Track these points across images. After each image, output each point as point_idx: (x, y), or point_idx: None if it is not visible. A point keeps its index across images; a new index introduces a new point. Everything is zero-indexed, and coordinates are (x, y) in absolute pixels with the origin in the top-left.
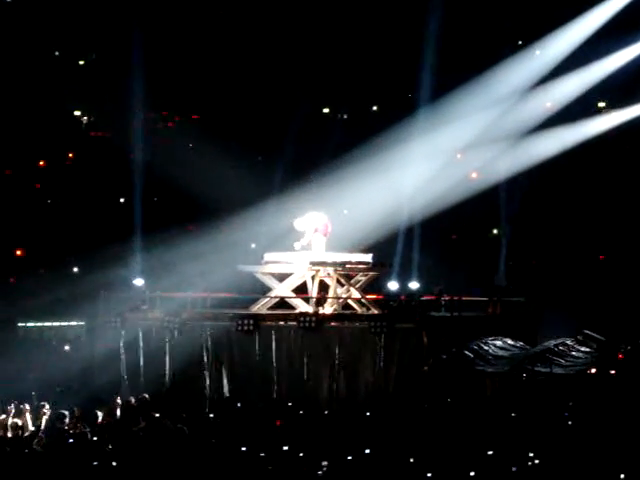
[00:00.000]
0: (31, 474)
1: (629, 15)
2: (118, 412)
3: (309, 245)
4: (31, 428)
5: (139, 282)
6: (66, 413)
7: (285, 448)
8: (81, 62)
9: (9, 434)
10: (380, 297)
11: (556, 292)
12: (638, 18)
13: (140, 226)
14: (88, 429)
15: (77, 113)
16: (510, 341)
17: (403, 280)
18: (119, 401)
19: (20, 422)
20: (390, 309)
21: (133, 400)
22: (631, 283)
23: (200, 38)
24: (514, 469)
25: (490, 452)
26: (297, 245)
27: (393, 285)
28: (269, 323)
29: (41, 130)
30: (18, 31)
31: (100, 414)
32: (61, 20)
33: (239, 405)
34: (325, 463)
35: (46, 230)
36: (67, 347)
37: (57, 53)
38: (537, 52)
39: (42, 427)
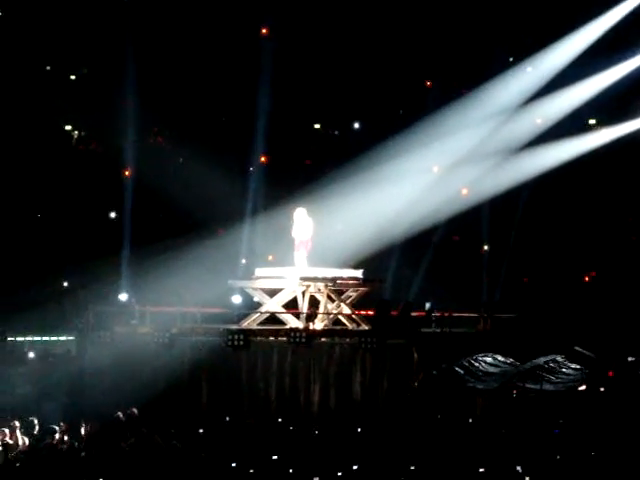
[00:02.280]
0: None
1: (620, 33)
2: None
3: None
4: (21, 443)
5: (124, 297)
6: (56, 428)
7: (274, 457)
8: (72, 77)
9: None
10: (372, 313)
11: (547, 309)
12: (629, 36)
13: (130, 240)
14: (76, 444)
15: (68, 127)
16: (500, 357)
17: (394, 296)
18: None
19: (11, 440)
20: (380, 323)
21: (121, 415)
22: (622, 300)
23: (192, 52)
24: None
25: (481, 469)
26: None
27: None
28: (259, 339)
29: (31, 144)
30: (8, 45)
31: (87, 429)
32: (52, 34)
33: (228, 420)
34: (316, 479)
35: (36, 244)
36: (54, 360)
37: (48, 67)
38: (528, 69)
39: (21, 443)
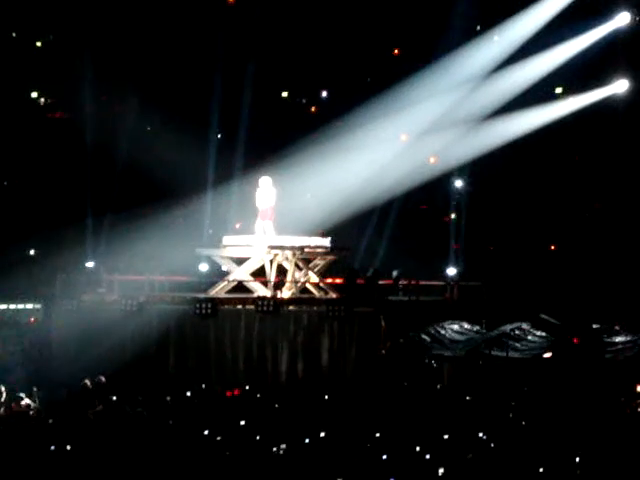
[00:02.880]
0: None
1: (585, 1)
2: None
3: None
4: None
5: (91, 264)
6: (22, 395)
7: (242, 423)
8: (38, 43)
9: None
10: (340, 281)
11: (512, 277)
12: (596, 4)
13: (97, 209)
14: (43, 412)
15: (34, 95)
16: (467, 325)
17: (361, 264)
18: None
19: None
20: (348, 289)
21: (89, 383)
22: (587, 268)
23: (159, 15)
24: (467, 453)
25: (445, 436)
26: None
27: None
28: (227, 307)
29: None
30: None
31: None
32: (17, 1)
33: (196, 388)
34: (283, 446)
35: (3, 212)
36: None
37: (14, 34)
38: (495, 37)
39: None
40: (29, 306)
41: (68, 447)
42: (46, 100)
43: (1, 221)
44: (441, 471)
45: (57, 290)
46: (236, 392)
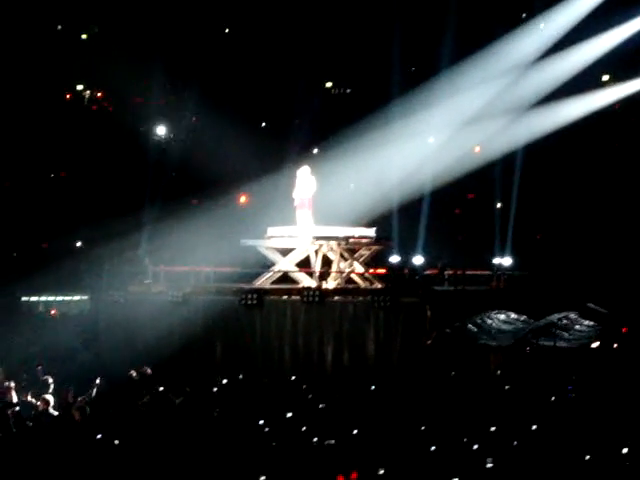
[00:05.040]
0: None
1: None
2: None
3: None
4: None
5: (137, 256)
6: (70, 388)
7: (288, 416)
8: (84, 36)
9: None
10: (384, 271)
11: (560, 266)
12: None
13: (145, 200)
14: (92, 404)
15: (80, 87)
16: (514, 315)
17: (407, 255)
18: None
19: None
20: (393, 282)
21: (135, 374)
22: (635, 257)
23: (204, 8)
24: (515, 443)
25: (493, 428)
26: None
27: (395, 259)
28: (273, 297)
29: (44, 104)
30: (20, 5)
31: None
32: None
33: (242, 378)
34: (332, 442)
35: (50, 204)
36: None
37: (59, 27)
38: (541, 25)
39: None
40: (76, 298)
41: (116, 440)
42: (92, 92)
43: (49, 213)
44: (489, 462)
45: (104, 281)
46: None
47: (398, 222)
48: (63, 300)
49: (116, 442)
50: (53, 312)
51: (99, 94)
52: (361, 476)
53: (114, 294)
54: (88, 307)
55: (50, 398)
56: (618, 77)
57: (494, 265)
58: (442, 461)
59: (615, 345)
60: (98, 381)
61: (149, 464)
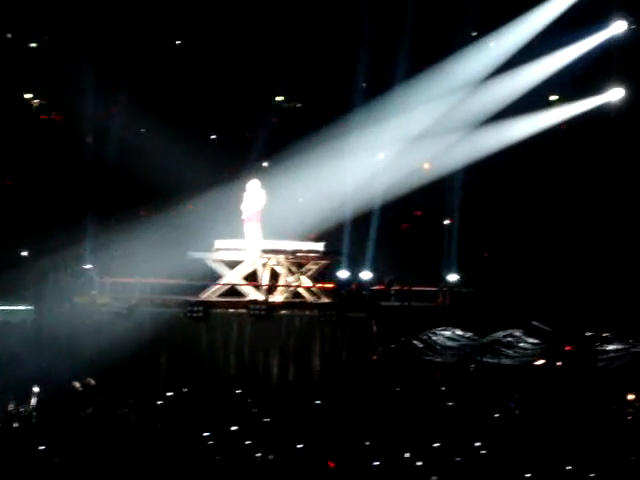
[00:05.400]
0: None
1: (582, 9)
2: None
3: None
4: None
5: (88, 267)
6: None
7: (233, 429)
8: (33, 45)
9: None
10: (332, 286)
11: (506, 283)
12: (590, 12)
13: (91, 211)
14: (34, 414)
15: (28, 96)
16: (459, 331)
17: (355, 269)
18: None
19: None
20: (340, 297)
21: (78, 385)
22: (580, 276)
23: (153, 18)
24: (459, 459)
25: (437, 444)
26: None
27: (344, 274)
28: (219, 310)
29: None
30: None
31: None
32: (12, 2)
33: (186, 391)
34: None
35: None
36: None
37: (9, 35)
38: (491, 44)
39: None
40: (20, 307)
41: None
42: (40, 102)
43: None
44: (433, 478)
45: (48, 291)
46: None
47: (348, 237)
48: (5, 310)
49: (57, 452)
50: None
51: (47, 103)
52: None
53: (59, 304)
54: (32, 317)
55: None
56: (566, 97)
57: (440, 281)
58: (386, 476)
59: (559, 363)
60: (36, 389)
61: (92, 475)
